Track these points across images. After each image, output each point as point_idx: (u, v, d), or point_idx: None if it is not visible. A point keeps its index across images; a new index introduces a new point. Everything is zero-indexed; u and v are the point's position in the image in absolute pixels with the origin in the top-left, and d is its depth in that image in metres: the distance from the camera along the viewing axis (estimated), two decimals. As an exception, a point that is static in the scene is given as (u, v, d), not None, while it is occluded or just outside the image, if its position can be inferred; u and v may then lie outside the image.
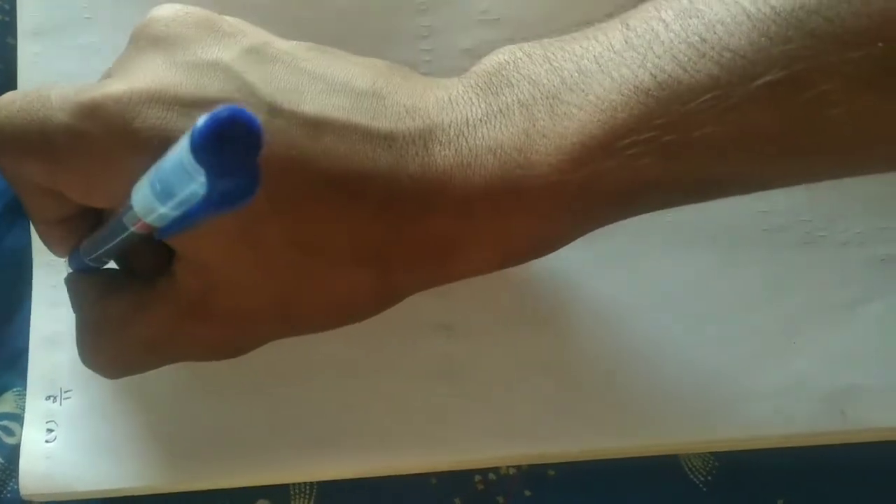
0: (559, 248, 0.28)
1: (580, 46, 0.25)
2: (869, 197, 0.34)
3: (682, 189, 0.25)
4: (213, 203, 0.18)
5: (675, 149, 0.23)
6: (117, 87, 0.25)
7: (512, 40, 0.34)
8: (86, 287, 0.30)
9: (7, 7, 0.37)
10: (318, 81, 0.26)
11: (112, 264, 0.31)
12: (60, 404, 0.33)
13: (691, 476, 0.33)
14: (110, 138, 0.24)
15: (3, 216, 0.36)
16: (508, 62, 0.26)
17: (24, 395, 0.33)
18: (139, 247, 0.28)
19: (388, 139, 0.25)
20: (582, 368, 0.33)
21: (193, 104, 0.24)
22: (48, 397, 0.33)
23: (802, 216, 0.34)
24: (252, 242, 0.25)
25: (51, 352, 0.34)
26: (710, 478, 0.33)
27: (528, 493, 0.33)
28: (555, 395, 0.33)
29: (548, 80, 0.25)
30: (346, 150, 0.25)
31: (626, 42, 0.24)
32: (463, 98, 0.26)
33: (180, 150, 0.18)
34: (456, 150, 0.25)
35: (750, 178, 0.25)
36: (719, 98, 0.22)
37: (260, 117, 0.24)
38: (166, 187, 0.19)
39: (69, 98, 0.25)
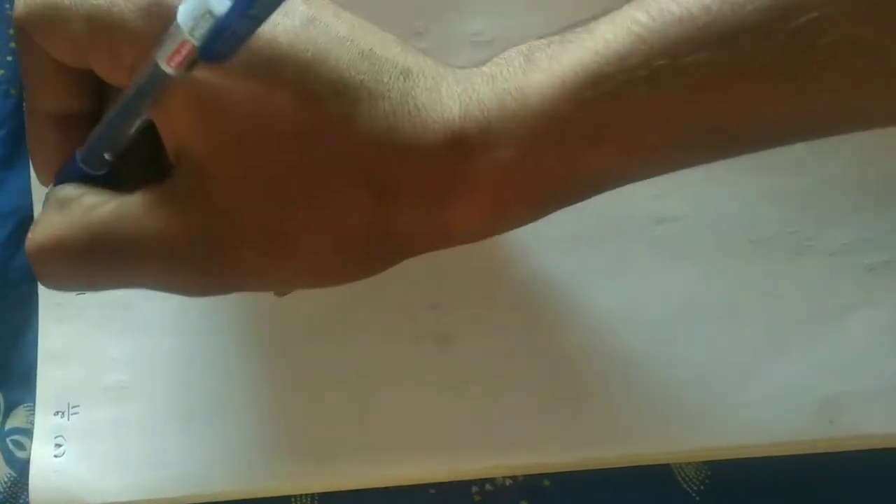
0: (557, 198, 0.27)
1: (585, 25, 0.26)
2: (856, 206, 0.34)
3: (675, 128, 0.25)
4: None
5: (667, 76, 0.23)
6: None
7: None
8: (70, 185, 0.28)
9: (8, 6, 0.38)
10: (351, 17, 0.27)
11: None
12: (68, 419, 0.34)
13: (684, 485, 0.33)
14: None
15: (11, 237, 0.37)
16: (524, 45, 0.27)
17: (35, 410, 0.34)
18: (136, 150, 0.28)
19: (404, 72, 0.26)
20: (575, 379, 0.33)
21: None
22: (56, 413, 0.34)
23: (790, 227, 0.34)
24: (259, 136, 0.25)
25: (58, 368, 0.35)
26: (702, 487, 0.33)
27: (524, 503, 0.33)
28: (549, 405, 0.33)
29: (552, 38, 0.26)
30: (366, 71, 0.25)
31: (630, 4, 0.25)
32: (465, 70, 0.27)
33: None
34: (462, 90, 0.26)
35: (745, 113, 0.24)
36: (710, 25, 0.22)
37: (295, 23, 0.25)
38: None
39: None
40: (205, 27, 0.22)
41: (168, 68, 0.23)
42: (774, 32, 0.22)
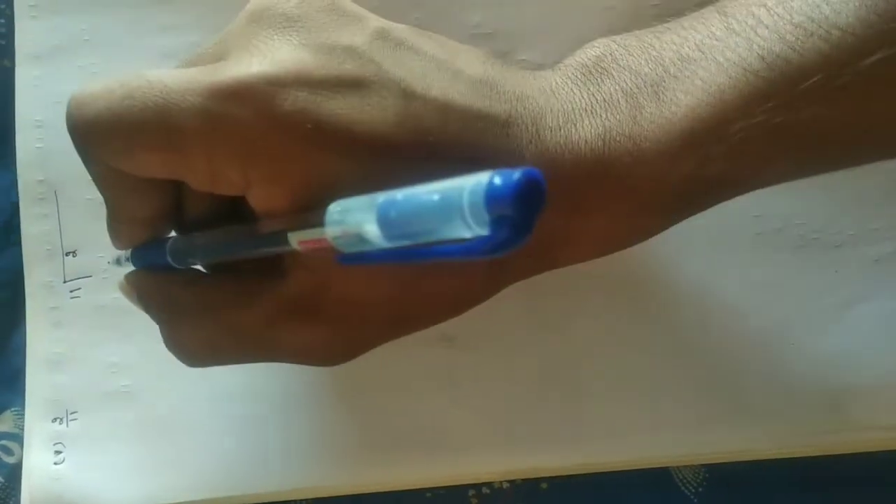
0: (659, 232, 0.27)
1: (678, 36, 0.25)
2: (861, 198, 0.34)
3: (789, 171, 0.25)
4: (478, 251, 0.18)
5: (786, 130, 0.23)
6: (262, 66, 0.24)
7: (505, 53, 0.35)
8: (165, 278, 0.29)
9: (3, 31, 0.37)
10: (441, 69, 0.25)
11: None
12: (67, 426, 0.34)
13: (682, 487, 0.33)
14: (257, 120, 0.23)
15: (-2, 238, 0.36)
16: (605, 55, 0.26)
17: (23, 414, 0.34)
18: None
19: (504, 126, 0.25)
20: (576, 381, 0.33)
21: (336, 86, 0.24)
22: (54, 419, 0.34)
23: (796, 219, 0.34)
24: None
25: (52, 373, 0.34)
26: (700, 489, 0.33)
27: (521, 506, 0.33)
28: (549, 408, 0.33)
29: (649, 68, 0.25)
30: (473, 137, 0.25)
31: (728, 28, 0.24)
32: (563, 88, 0.26)
33: (454, 191, 0.18)
34: (566, 136, 0.25)
35: (858, 154, 0.25)
36: (830, 77, 0.22)
37: (397, 102, 0.24)
38: (408, 220, 0.19)
39: (200, 80, 0.24)
40: (349, 244, 0.21)
41: (298, 245, 0.22)
42: (893, 84, 0.22)
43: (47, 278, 0.35)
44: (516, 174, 0.17)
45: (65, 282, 0.35)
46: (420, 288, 0.26)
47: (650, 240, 0.33)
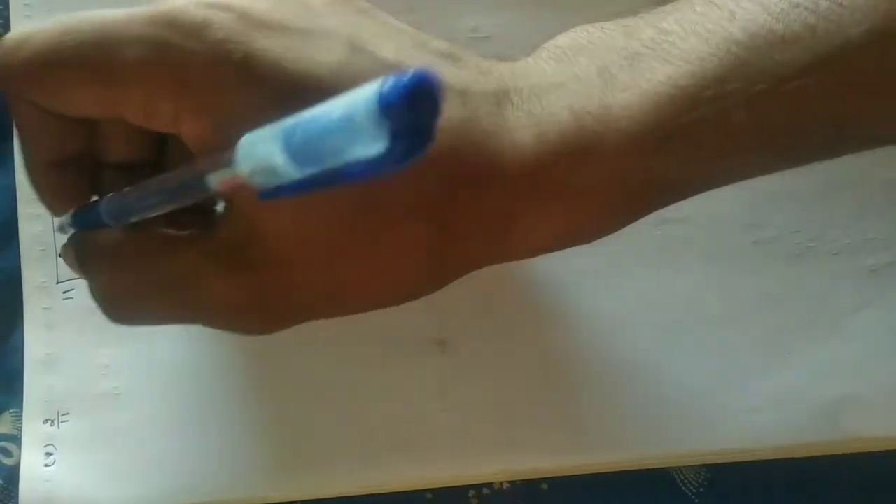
0: (634, 220, 0.26)
1: (655, 16, 0.25)
2: (857, 208, 0.34)
3: (766, 146, 0.24)
4: (381, 165, 0.17)
5: (765, 99, 0.22)
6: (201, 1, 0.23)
7: (502, 57, 0.35)
8: (99, 239, 0.28)
9: (0, 31, 0.37)
10: (396, 33, 0.25)
11: None
12: (58, 427, 0.33)
13: (683, 488, 0.33)
14: (190, 46, 0.23)
15: (-6, 239, 0.36)
16: (582, 37, 0.26)
17: (21, 416, 0.34)
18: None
19: (461, 95, 0.24)
20: (574, 383, 0.33)
21: (278, 28, 0.23)
22: (46, 421, 0.33)
23: (792, 228, 0.34)
24: (315, 196, 0.24)
25: (46, 374, 0.34)
26: (701, 489, 0.33)
27: (522, 507, 0.33)
28: (547, 409, 0.33)
29: (626, 45, 0.24)
30: None
31: (710, 2, 0.23)
32: (535, 66, 0.25)
33: (350, 106, 0.17)
34: (528, 111, 0.24)
35: (845, 137, 0.24)
36: (816, 47, 0.21)
37: (340, 50, 0.23)
38: (313, 144, 0.18)
39: (141, 12, 0.23)
40: (264, 179, 0.19)
41: (217, 186, 0.21)
42: (879, 55, 0.21)
43: (41, 279, 0.34)
44: (406, 77, 0.16)
45: (58, 283, 0.34)
46: (356, 248, 0.25)
47: (646, 244, 0.34)
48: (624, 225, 0.26)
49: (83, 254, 0.28)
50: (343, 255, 0.25)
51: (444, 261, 0.26)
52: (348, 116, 0.17)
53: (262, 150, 0.19)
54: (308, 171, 0.18)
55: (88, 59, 0.23)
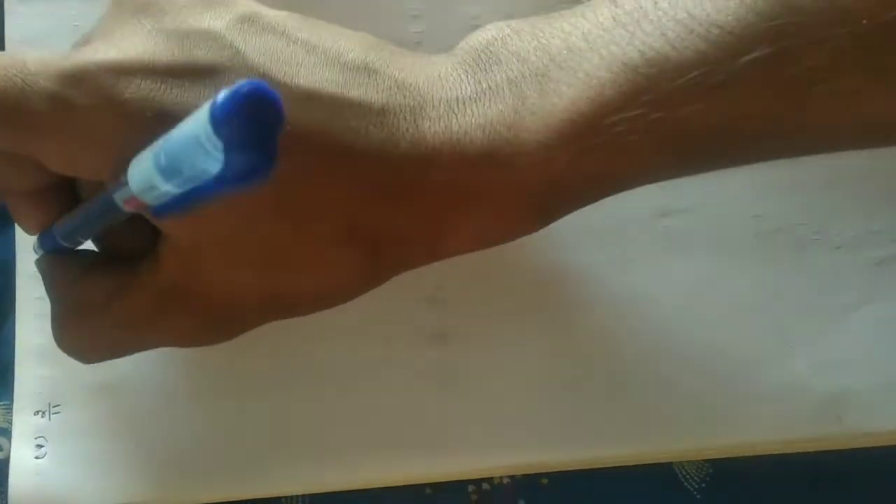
0: (543, 227, 0.27)
1: (568, 24, 0.25)
2: (862, 200, 0.34)
3: (666, 167, 0.25)
4: (227, 180, 0.17)
5: (663, 126, 0.23)
6: (107, 54, 0.24)
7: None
8: (62, 269, 0.29)
9: None
10: (311, 54, 0.25)
11: (87, 245, 0.30)
12: (49, 419, 0.33)
13: (685, 483, 0.33)
14: (99, 108, 0.24)
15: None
16: (496, 39, 0.26)
17: (12, 409, 0.33)
18: (120, 227, 0.27)
19: (379, 115, 0.25)
20: (575, 377, 0.33)
21: (185, 74, 0.24)
22: (36, 412, 0.33)
23: (795, 220, 0.34)
24: (241, 216, 0.25)
25: (37, 366, 0.33)
26: (703, 485, 0.33)
27: (521, 502, 0.33)
28: (547, 404, 0.33)
29: (536, 57, 0.25)
30: (340, 125, 0.24)
31: (615, 20, 0.24)
32: (452, 75, 0.26)
33: (195, 123, 0.17)
34: (445, 126, 0.25)
35: (734, 154, 0.25)
36: (707, 74, 0.22)
37: None
38: (174, 162, 0.19)
39: (51, 64, 0.24)
40: (151, 196, 0.20)
41: (123, 206, 0.22)
42: (768, 83, 0.22)
43: (34, 268, 0.34)
44: (233, 93, 0.16)
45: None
46: (291, 269, 0.26)
47: (648, 236, 0.34)
48: (542, 226, 0.27)
49: (46, 284, 0.30)
50: (281, 275, 0.27)
51: (377, 272, 0.28)
52: (194, 134, 0.17)
53: (142, 170, 0.20)
54: (180, 187, 0.19)
55: (3, 104, 0.24)
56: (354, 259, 0.26)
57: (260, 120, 0.17)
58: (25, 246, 0.34)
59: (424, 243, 0.27)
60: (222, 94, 0.16)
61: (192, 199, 0.19)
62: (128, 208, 0.22)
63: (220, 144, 0.17)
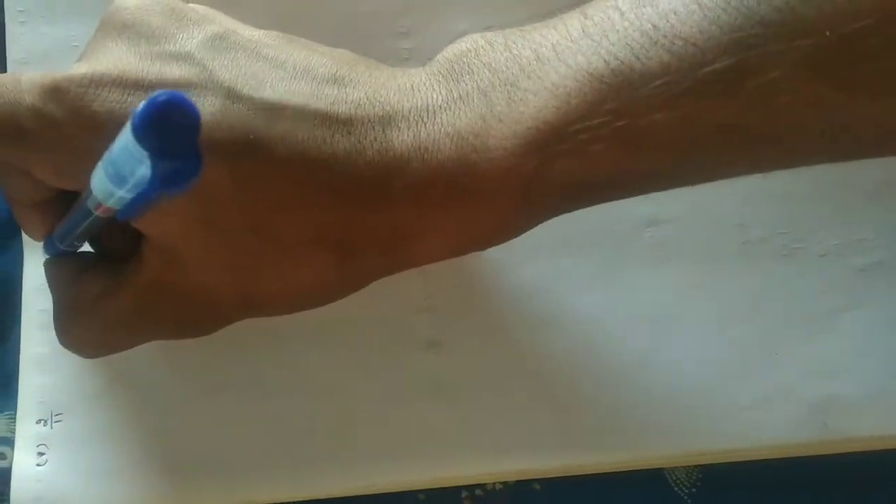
0: (516, 235, 0.28)
1: (539, 35, 0.26)
2: (846, 208, 0.35)
3: (634, 177, 0.25)
4: (157, 184, 0.19)
5: (627, 135, 0.23)
6: (79, 70, 0.26)
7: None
8: (61, 270, 0.31)
9: None
10: (279, 68, 0.26)
11: (87, 248, 0.32)
12: (51, 427, 0.33)
13: (676, 489, 0.33)
14: (72, 120, 0.25)
15: (-7, 242, 0.36)
16: (470, 50, 0.27)
17: (16, 418, 0.34)
18: (111, 230, 0.29)
19: (346, 125, 0.26)
20: (566, 384, 0.33)
21: (153, 88, 0.25)
22: (38, 421, 0.33)
23: (780, 229, 0.34)
24: (211, 225, 0.26)
25: (40, 375, 0.34)
26: (694, 490, 0.33)
27: (514, 508, 0.33)
28: (540, 411, 0.33)
29: (506, 67, 0.25)
30: (304, 135, 0.25)
31: (583, 30, 0.24)
32: (424, 85, 0.27)
33: (125, 134, 0.19)
34: (414, 135, 0.26)
35: (700, 165, 0.25)
36: (670, 84, 0.23)
37: (218, 102, 0.25)
38: (117, 171, 0.20)
39: (35, 81, 0.26)
40: (112, 201, 0.22)
41: (97, 212, 0.24)
42: (731, 93, 0.23)
43: (39, 281, 0.34)
44: (148, 103, 0.18)
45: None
46: (262, 277, 0.28)
47: (636, 244, 0.34)
48: (518, 234, 0.27)
49: (49, 286, 0.32)
50: (253, 281, 0.28)
51: (352, 279, 0.28)
52: (125, 144, 0.19)
53: (99, 179, 0.21)
54: (130, 192, 0.20)
55: None
56: (328, 262, 0.27)
57: (178, 126, 0.18)
58: (31, 260, 0.35)
59: (396, 248, 0.27)
60: (140, 106, 0.18)
61: (143, 203, 0.20)
62: (100, 213, 0.24)
63: (144, 152, 0.18)
